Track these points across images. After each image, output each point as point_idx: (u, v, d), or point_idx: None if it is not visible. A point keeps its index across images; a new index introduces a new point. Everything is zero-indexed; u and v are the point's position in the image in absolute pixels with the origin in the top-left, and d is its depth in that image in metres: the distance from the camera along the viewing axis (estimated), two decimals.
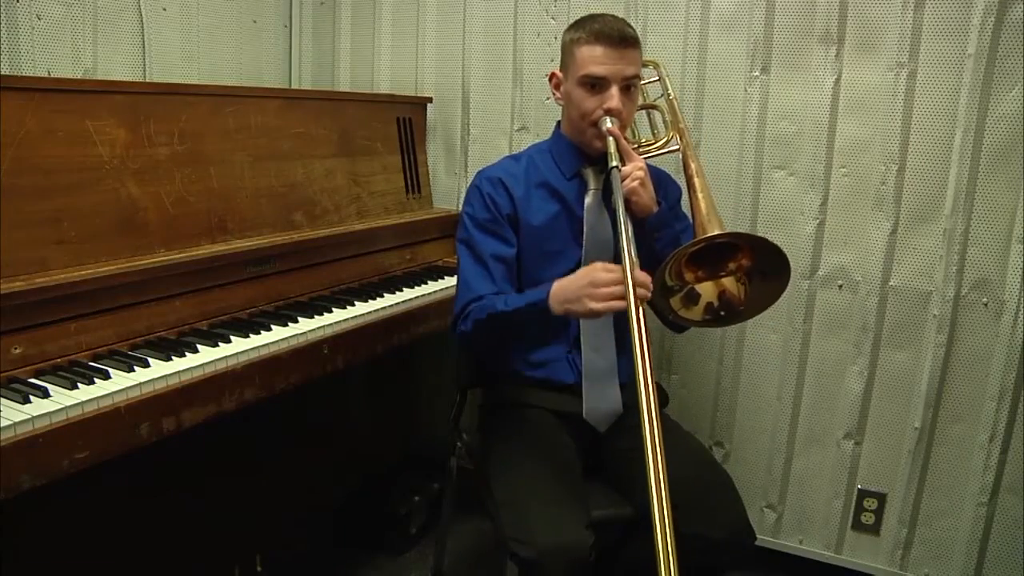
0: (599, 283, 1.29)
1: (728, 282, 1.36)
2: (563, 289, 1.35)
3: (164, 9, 2.01)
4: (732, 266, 1.35)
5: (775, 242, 1.29)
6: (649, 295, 1.28)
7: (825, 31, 1.83)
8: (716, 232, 1.32)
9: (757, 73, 1.91)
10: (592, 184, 1.55)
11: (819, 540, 2.03)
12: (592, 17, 1.50)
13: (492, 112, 2.24)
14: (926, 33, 1.74)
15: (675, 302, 1.35)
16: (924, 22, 1.74)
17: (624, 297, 1.26)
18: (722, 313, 1.37)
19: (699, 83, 1.97)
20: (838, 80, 1.84)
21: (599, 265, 1.33)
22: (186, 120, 1.59)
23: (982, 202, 1.75)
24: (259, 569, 1.83)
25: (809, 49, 1.85)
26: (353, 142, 2.02)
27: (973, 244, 1.78)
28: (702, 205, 1.42)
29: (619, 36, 1.45)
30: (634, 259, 1.30)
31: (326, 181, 1.91)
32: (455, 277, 1.59)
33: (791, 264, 1.30)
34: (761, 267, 1.33)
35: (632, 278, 1.26)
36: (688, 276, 1.35)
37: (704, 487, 1.40)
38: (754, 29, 1.89)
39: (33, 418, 1.08)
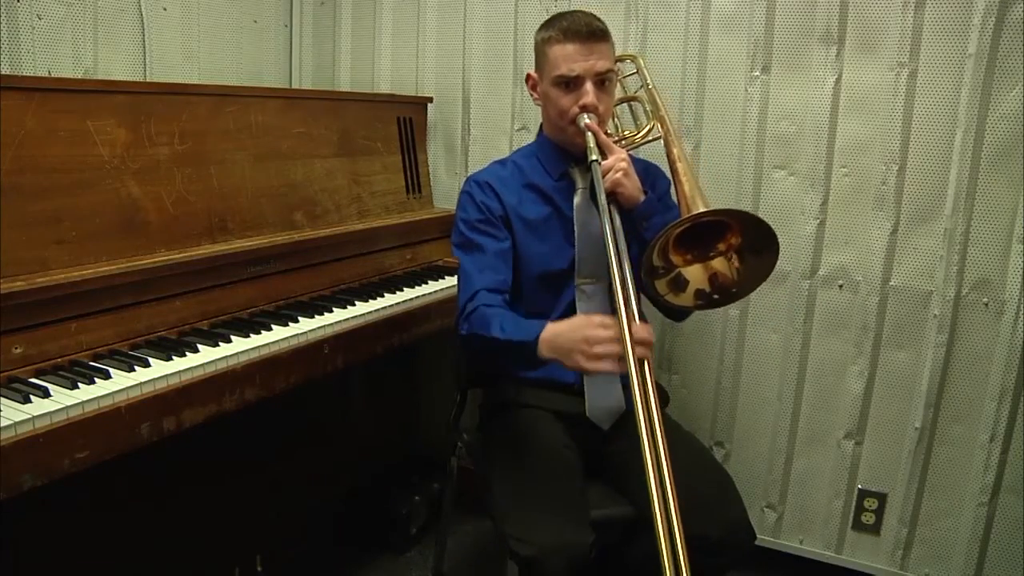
0: (593, 340, 1.21)
1: (719, 263, 1.35)
2: (556, 336, 1.28)
3: (164, 9, 2.01)
4: (722, 247, 1.34)
5: (761, 217, 1.29)
6: (649, 355, 1.24)
7: (825, 31, 1.83)
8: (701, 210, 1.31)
9: (757, 73, 1.91)
10: (580, 183, 1.56)
11: (819, 540, 2.03)
12: (561, 15, 1.51)
13: (492, 112, 2.24)
14: (927, 33, 1.74)
15: (661, 286, 1.33)
16: (925, 22, 1.74)
17: (619, 355, 1.20)
18: (715, 296, 1.36)
19: (699, 83, 1.97)
20: (838, 80, 1.84)
21: (596, 319, 1.26)
22: (186, 120, 1.59)
23: (982, 202, 1.75)
24: (259, 569, 1.83)
25: (809, 49, 1.85)
26: (353, 142, 2.02)
27: (973, 244, 1.78)
28: (686, 187, 1.42)
29: (587, 31, 1.45)
30: (633, 313, 1.25)
31: (326, 181, 1.91)
32: (455, 277, 1.58)
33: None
34: (751, 243, 1.32)
35: (632, 335, 1.20)
36: (676, 260, 1.34)
37: (704, 487, 1.40)
38: (754, 29, 1.89)
39: (34, 418, 1.08)
